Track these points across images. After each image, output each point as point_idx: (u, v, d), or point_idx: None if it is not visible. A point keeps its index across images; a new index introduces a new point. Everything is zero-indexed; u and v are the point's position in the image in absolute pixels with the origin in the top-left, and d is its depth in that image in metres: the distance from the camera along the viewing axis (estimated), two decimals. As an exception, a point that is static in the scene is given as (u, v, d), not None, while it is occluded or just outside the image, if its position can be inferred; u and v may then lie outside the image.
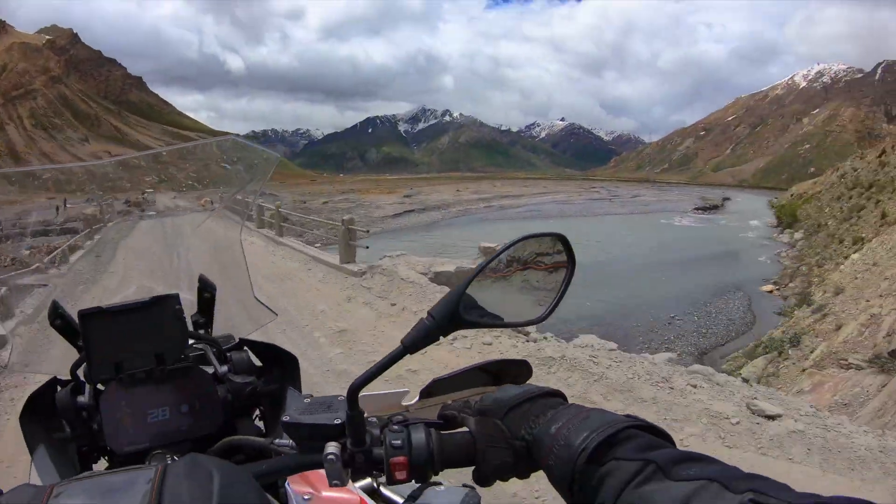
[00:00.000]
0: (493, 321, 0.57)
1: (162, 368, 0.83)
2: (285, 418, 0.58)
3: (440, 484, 0.67)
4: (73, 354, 0.86)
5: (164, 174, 1.49)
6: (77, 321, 0.84)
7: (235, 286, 1.14)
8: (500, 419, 0.52)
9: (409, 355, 0.53)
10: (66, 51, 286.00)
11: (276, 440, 0.63)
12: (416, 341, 0.53)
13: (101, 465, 0.87)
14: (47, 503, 0.44)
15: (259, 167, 1.12)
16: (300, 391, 0.91)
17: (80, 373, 0.86)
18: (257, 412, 0.92)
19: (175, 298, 0.86)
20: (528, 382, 0.62)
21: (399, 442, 0.54)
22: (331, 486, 0.55)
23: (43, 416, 0.86)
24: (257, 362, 0.93)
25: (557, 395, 0.54)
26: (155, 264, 1.34)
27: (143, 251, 1.78)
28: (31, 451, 0.84)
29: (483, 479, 0.53)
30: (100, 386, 0.85)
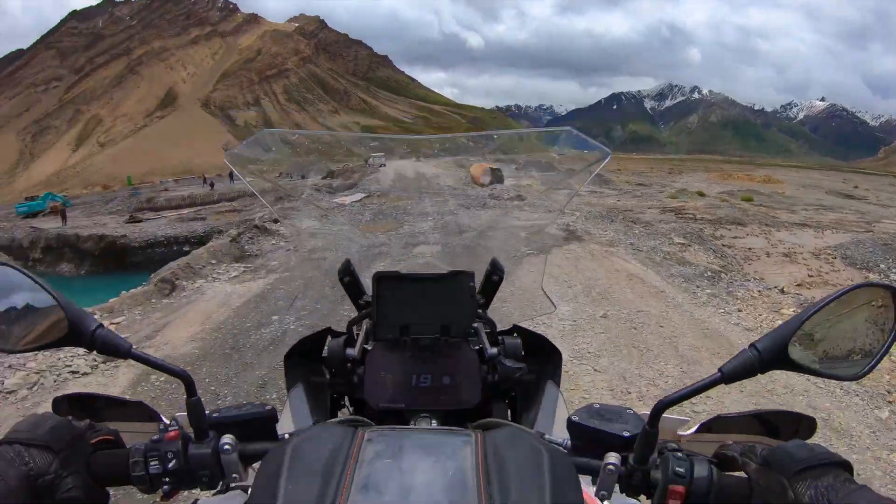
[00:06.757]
0: (816, 368, 0.54)
1: (446, 339, 0.86)
2: (574, 417, 0.58)
3: None
4: (347, 311, 0.86)
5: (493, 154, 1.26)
6: (366, 282, 0.86)
7: (527, 272, 1.16)
8: (787, 477, 0.48)
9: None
10: (315, 35, 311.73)
11: (546, 435, 0.62)
12: (735, 372, 0.51)
13: (345, 413, 0.92)
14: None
15: (589, 161, 1.05)
16: (559, 386, 0.93)
17: (355, 329, 0.92)
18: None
19: (470, 276, 0.89)
20: (811, 440, 0.56)
21: (682, 470, 0.52)
22: (597, 496, 0.53)
23: (307, 359, 0.94)
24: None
25: (847, 467, 0.48)
26: (452, 237, 1.34)
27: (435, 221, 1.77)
28: (289, 388, 0.90)
29: None
30: (367, 345, 0.88)
